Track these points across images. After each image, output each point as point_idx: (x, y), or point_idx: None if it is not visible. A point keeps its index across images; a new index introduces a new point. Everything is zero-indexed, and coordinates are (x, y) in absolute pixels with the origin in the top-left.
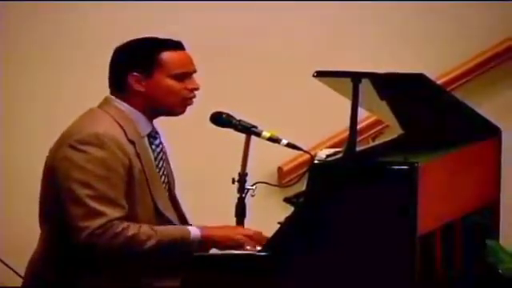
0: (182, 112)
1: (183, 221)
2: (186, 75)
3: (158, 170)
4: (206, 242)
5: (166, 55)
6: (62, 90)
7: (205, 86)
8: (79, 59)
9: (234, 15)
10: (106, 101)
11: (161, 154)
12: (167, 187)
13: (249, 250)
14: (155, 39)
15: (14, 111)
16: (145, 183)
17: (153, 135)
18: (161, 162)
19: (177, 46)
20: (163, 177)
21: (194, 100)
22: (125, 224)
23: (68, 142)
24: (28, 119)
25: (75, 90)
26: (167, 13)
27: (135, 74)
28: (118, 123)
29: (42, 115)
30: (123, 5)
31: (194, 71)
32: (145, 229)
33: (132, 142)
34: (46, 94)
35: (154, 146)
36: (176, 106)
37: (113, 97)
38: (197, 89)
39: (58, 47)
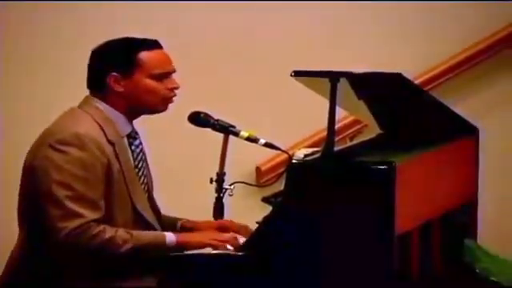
0: (164, 110)
1: (160, 221)
2: (165, 75)
3: (137, 171)
4: (181, 247)
5: (145, 55)
6: (62, 90)
7: (183, 85)
8: (80, 59)
9: (215, 15)
10: (86, 101)
11: (140, 154)
12: (146, 188)
13: (227, 249)
14: (133, 39)
15: (14, 112)
16: (123, 184)
17: (133, 136)
18: (140, 163)
19: (155, 45)
20: (142, 177)
21: (173, 99)
22: (101, 227)
23: (48, 142)
24: (28, 120)
25: (75, 90)
26: (158, 12)
27: (114, 74)
28: (98, 123)
29: (41, 116)
30: (123, 5)
31: (174, 71)
32: (121, 233)
33: (111, 143)
34: (45, 94)
35: (133, 147)
36: (157, 105)
37: (93, 97)
38: (177, 88)
39: (58, 47)
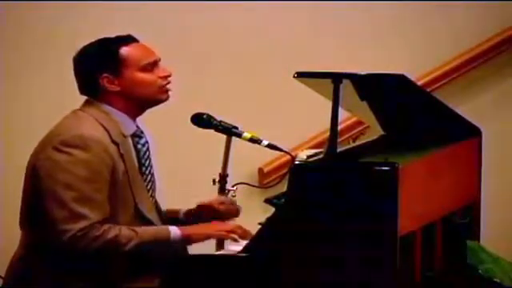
0: (166, 98)
1: (162, 220)
2: (153, 64)
3: (144, 169)
4: (186, 240)
5: (126, 50)
6: (62, 90)
7: (186, 86)
8: None
9: (217, 15)
10: (87, 103)
11: (147, 152)
12: (151, 186)
13: (230, 250)
14: (108, 38)
15: (14, 112)
16: (127, 185)
17: (138, 134)
18: (147, 161)
19: (131, 39)
20: (149, 176)
21: (175, 101)
22: (105, 226)
23: (52, 144)
24: (28, 120)
25: (75, 90)
26: (159, 13)
27: (105, 75)
28: (102, 125)
29: (42, 116)
30: (122, 5)
31: (159, 59)
32: (125, 231)
33: (116, 143)
34: (46, 94)
35: (139, 146)
36: (155, 94)
37: (93, 100)
38: (169, 75)
39: (57, 47)
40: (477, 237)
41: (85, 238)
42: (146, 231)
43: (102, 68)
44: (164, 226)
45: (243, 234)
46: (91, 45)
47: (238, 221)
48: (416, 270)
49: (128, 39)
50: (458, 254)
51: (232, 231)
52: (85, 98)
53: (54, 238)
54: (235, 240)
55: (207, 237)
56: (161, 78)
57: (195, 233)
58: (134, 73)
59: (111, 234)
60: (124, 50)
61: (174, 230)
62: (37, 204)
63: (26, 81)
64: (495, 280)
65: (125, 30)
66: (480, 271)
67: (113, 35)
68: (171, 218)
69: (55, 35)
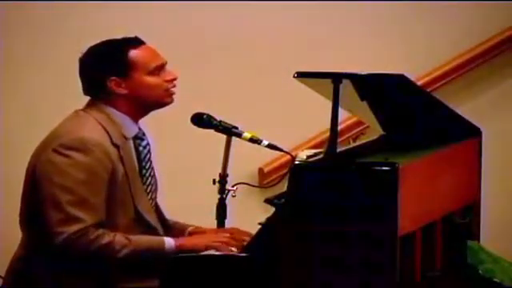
0: (171, 102)
1: (163, 223)
2: (160, 68)
3: (144, 172)
4: (180, 252)
5: (135, 53)
6: (62, 90)
7: (186, 86)
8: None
9: (218, 15)
10: (90, 104)
11: (148, 155)
12: (152, 188)
13: (228, 250)
14: (116, 40)
15: (14, 112)
16: (127, 187)
17: (139, 136)
18: (148, 164)
19: (138, 41)
20: (150, 178)
21: (175, 101)
22: (100, 231)
23: (52, 146)
24: (28, 120)
25: (75, 91)
26: (159, 13)
27: (114, 78)
28: (103, 127)
29: (42, 116)
30: (122, 5)
31: (166, 62)
32: (119, 238)
33: (116, 146)
34: (45, 95)
35: (141, 148)
36: (161, 97)
37: (97, 101)
38: (175, 79)
39: (58, 47)
40: (477, 237)
41: (79, 241)
42: (140, 240)
43: (111, 71)
44: (159, 237)
45: (238, 245)
46: (99, 46)
47: (238, 221)
48: (416, 270)
49: (136, 41)
50: (458, 254)
51: (227, 243)
52: (86, 97)
53: (48, 239)
54: (230, 251)
55: (201, 248)
56: (167, 81)
57: (189, 244)
58: (142, 76)
59: (105, 240)
60: (133, 53)
61: (169, 241)
62: (36, 205)
63: (26, 81)
64: (495, 280)
65: (126, 30)
66: (480, 271)
67: (113, 35)
68: (177, 231)
69: (56, 35)
